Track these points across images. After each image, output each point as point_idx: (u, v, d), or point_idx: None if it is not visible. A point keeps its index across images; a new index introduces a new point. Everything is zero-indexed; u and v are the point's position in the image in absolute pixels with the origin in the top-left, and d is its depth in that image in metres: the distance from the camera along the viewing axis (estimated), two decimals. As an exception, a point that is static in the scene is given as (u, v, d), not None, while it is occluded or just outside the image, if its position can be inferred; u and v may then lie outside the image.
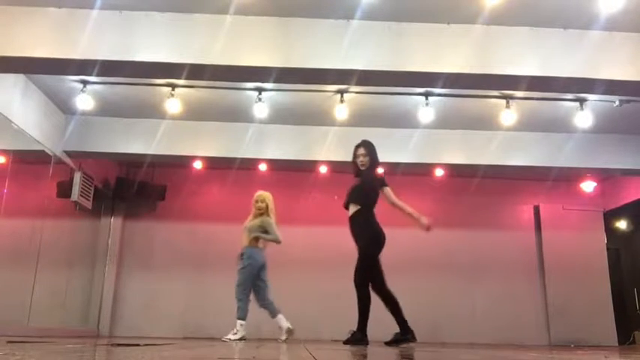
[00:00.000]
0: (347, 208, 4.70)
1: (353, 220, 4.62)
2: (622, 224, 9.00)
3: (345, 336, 4.48)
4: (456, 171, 7.46)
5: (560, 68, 4.69)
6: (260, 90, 5.94)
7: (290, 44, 4.70)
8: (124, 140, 6.79)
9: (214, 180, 8.13)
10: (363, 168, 4.71)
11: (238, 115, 6.53)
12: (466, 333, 7.76)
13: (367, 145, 4.76)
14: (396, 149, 6.83)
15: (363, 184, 4.70)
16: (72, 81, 5.85)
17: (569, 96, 5.99)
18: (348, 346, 4.16)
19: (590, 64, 4.68)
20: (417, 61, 4.69)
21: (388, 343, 4.39)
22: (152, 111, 6.45)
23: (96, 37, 4.54)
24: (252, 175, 7.79)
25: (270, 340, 5.72)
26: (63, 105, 6.45)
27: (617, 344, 7.87)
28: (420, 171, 7.49)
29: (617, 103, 5.97)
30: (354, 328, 4.44)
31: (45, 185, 6.70)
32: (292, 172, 7.81)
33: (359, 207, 4.62)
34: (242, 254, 5.50)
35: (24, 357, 1.89)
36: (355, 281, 4.46)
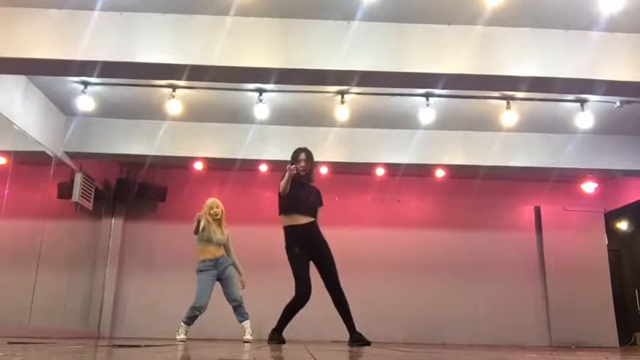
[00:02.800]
0: (310, 214, 4.64)
1: (316, 226, 4.64)
2: (623, 225, 9.00)
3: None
4: (457, 172, 7.46)
5: (560, 69, 4.69)
6: (261, 91, 5.94)
7: (291, 45, 4.70)
8: (124, 141, 6.80)
9: (215, 181, 8.12)
10: (303, 173, 4.67)
11: (239, 116, 6.54)
12: (467, 334, 7.75)
13: (308, 153, 4.75)
14: (396, 150, 6.83)
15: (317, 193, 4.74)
16: (73, 82, 5.85)
17: (570, 97, 5.98)
18: (349, 347, 4.15)
19: (590, 65, 4.67)
20: (418, 62, 4.69)
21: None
22: (153, 112, 6.45)
23: (97, 39, 4.54)
24: (253, 176, 7.79)
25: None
26: (64, 106, 6.45)
27: (618, 345, 7.86)
28: (420, 172, 7.49)
29: (618, 103, 5.97)
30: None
31: (46, 186, 6.70)
32: (293, 173, 7.80)
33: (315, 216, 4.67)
34: (221, 263, 5.41)
35: (25, 358, 1.89)
36: (340, 289, 4.50)
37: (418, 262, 7.85)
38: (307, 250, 4.54)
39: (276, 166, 7.34)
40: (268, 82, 5.27)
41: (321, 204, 4.74)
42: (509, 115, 6.05)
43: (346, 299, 4.54)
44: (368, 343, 4.34)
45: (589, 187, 8.34)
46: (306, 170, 4.67)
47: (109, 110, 6.49)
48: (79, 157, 6.94)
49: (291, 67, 4.67)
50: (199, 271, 5.36)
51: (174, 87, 5.88)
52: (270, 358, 2.34)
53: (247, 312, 5.34)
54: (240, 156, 6.85)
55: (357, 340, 4.36)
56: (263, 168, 7.50)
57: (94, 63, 4.59)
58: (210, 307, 7.58)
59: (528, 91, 5.29)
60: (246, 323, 5.31)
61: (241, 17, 4.61)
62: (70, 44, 4.56)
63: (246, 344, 4.76)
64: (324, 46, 4.68)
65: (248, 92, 6.00)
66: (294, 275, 4.50)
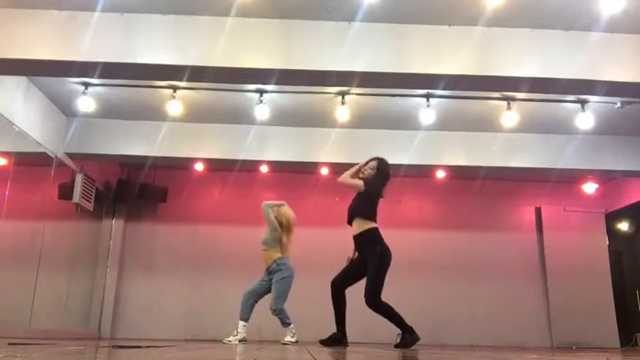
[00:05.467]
0: (353, 223, 4.71)
1: (359, 237, 4.66)
2: (624, 226, 8.99)
3: (395, 340, 4.56)
4: (458, 173, 7.46)
5: (561, 70, 4.69)
6: (261, 92, 5.94)
7: (291, 46, 4.70)
8: (125, 142, 6.80)
9: (215, 182, 8.13)
10: (361, 176, 4.73)
11: (239, 116, 6.54)
12: (467, 335, 7.75)
13: (377, 159, 4.82)
14: (397, 151, 6.82)
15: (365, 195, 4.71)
16: (73, 83, 5.86)
17: (571, 97, 5.98)
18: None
19: (591, 66, 4.67)
20: (419, 62, 4.69)
21: (323, 342, 4.56)
22: (153, 113, 6.46)
23: (97, 40, 4.55)
24: (254, 177, 7.80)
25: (271, 342, 5.72)
26: (64, 107, 6.45)
27: (619, 346, 7.85)
28: (421, 172, 7.49)
29: (619, 104, 5.96)
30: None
31: (46, 187, 6.70)
32: (293, 174, 7.82)
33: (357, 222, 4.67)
34: (273, 266, 5.38)
35: (25, 359, 1.89)
36: (370, 304, 4.44)
37: (419, 263, 7.85)
38: (359, 257, 4.71)
39: (277, 166, 7.36)
40: (269, 83, 5.26)
41: (359, 202, 4.70)
42: (510, 116, 6.04)
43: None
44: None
45: (590, 187, 8.33)
46: (364, 175, 4.74)
47: (109, 111, 6.49)
48: (79, 158, 6.95)
49: (291, 67, 4.67)
50: None
51: (174, 88, 5.88)
52: (270, 358, 2.34)
53: (288, 321, 5.29)
54: (240, 157, 6.85)
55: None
56: (263, 169, 7.50)
57: (94, 64, 4.59)
58: (211, 308, 7.62)
59: (529, 91, 5.29)
60: (289, 328, 5.28)
61: (242, 18, 4.62)
62: (70, 45, 4.56)
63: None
64: (325, 47, 4.68)
65: (248, 93, 6.00)
66: None
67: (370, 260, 4.51)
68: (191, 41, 4.64)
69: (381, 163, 4.76)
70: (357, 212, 4.66)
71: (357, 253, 4.74)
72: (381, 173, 4.73)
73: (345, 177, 4.76)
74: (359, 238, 4.64)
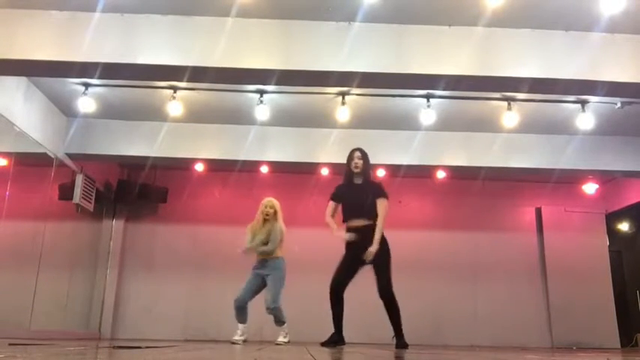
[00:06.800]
0: (362, 216, 4.59)
1: (367, 230, 4.53)
2: (624, 226, 8.99)
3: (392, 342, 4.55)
4: (458, 173, 7.45)
5: (561, 70, 4.69)
6: (261, 92, 5.94)
7: (291, 46, 4.70)
8: (125, 143, 6.80)
9: (216, 182, 8.13)
10: (356, 170, 4.67)
11: (240, 117, 6.54)
12: (468, 335, 7.75)
13: (362, 152, 4.74)
14: (397, 151, 6.83)
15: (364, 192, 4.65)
16: (74, 83, 5.86)
17: (571, 98, 5.98)
18: (345, 349, 4.17)
19: (591, 66, 4.67)
20: (419, 63, 4.69)
21: (324, 344, 4.50)
22: (154, 113, 6.46)
23: (98, 40, 4.55)
24: (254, 178, 7.80)
25: (271, 343, 5.72)
26: (65, 107, 6.46)
27: (619, 346, 7.85)
28: (421, 173, 7.49)
29: (619, 104, 5.96)
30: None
31: (47, 188, 6.70)
32: (294, 175, 7.82)
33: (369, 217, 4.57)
34: (267, 266, 5.41)
35: (26, 359, 1.89)
36: (387, 295, 4.46)
37: (419, 264, 7.85)
38: (354, 252, 4.52)
39: (277, 167, 7.36)
40: (269, 84, 5.26)
41: (376, 198, 4.57)
42: (510, 116, 6.04)
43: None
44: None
45: (590, 188, 8.33)
46: (359, 168, 4.66)
47: (110, 111, 6.49)
48: (79, 159, 6.95)
49: (291, 68, 4.67)
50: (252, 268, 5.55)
51: (175, 88, 5.88)
52: (270, 359, 2.34)
53: (284, 319, 5.32)
54: (241, 157, 6.85)
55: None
56: (264, 169, 7.50)
57: (95, 64, 4.60)
58: (211, 308, 7.61)
59: (529, 92, 5.29)
60: (283, 327, 5.33)
61: (242, 19, 4.62)
62: (71, 46, 4.57)
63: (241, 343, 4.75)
64: (325, 48, 4.68)
65: (249, 93, 6.01)
66: None
67: (379, 255, 4.49)
68: (191, 41, 4.65)
69: (362, 150, 4.73)
70: (368, 207, 4.57)
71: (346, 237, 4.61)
72: (368, 159, 4.73)
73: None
74: (367, 232, 4.52)
